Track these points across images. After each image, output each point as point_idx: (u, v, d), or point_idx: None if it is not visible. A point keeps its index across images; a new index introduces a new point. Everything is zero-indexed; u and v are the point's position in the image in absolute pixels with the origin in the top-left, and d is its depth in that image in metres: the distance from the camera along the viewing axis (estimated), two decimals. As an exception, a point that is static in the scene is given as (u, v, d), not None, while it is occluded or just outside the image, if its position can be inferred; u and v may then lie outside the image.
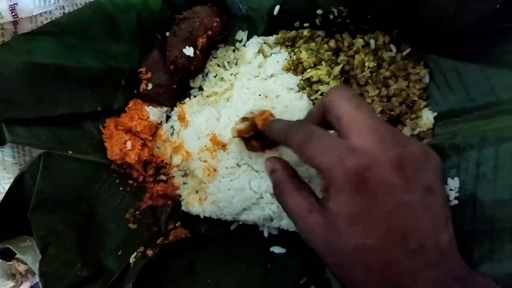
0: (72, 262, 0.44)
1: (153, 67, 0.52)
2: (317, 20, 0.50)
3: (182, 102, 0.55)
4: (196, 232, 0.54)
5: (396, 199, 0.30)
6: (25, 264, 0.45)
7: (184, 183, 0.55)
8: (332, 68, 0.49)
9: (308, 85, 0.49)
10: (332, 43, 0.50)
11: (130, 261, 0.47)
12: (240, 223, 0.53)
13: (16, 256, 0.44)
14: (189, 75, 0.54)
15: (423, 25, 0.46)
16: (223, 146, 0.49)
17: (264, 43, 0.52)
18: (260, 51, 0.52)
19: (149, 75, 0.52)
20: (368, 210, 0.30)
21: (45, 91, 0.47)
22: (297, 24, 0.51)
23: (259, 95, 0.49)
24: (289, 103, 0.48)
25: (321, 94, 0.48)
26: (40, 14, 0.46)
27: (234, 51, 0.54)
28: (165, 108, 0.55)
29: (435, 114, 0.49)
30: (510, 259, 0.40)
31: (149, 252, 0.48)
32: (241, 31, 0.54)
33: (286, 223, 0.49)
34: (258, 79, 0.51)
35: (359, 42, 0.50)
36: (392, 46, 0.50)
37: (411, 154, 0.31)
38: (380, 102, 0.49)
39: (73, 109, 0.49)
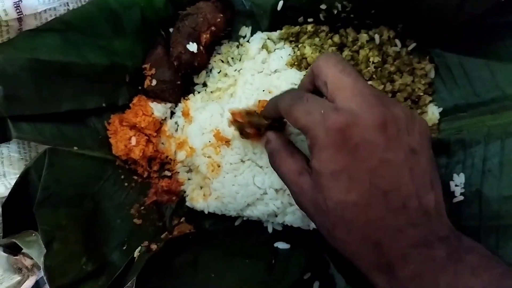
0: (77, 256, 0.45)
1: (157, 63, 0.52)
2: (321, 15, 0.50)
3: (186, 98, 0.55)
4: (200, 227, 0.54)
5: (379, 157, 0.30)
6: (31, 258, 0.45)
7: (189, 179, 0.55)
8: (336, 64, 0.49)
9: (312, 80, 0.49)
10: (336, 38, 0.50)
11: (135, 255, 0.48)
12: (244, 218, 0.53)
13: (23, 250, 0.45)
14: (193, 71, 0.54)
15: (427, 19, 0.45)
16: (227, 142, 0.49)
17: (268, 38, 0.52)
18: (264, 46, 0.52)
19: (153, 71, 0.52)
20: (350, 167, 0.30)
21: (50, 88, 0.47)
22: (301, 19, 0.51)
23: (263, 90, 0.49)
24: (293, 98, 0.48)
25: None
26: (45, 11, 0.46)
27: (237, 46, 0.54)
28: (169, 104, 0.55)
29: (441, 109, 0.49)
30: (516, 255, 0.39)
31: (154, 247, 0.49)
32: (244, 26, 0.54)
33: (290, 218, 0.48)
34: (262, 74, 0.51)
35: (364, 37, 0.49)
36: (397, 41, 0.50)
37: (395, 115, 0.31)
38: (385, 97, 0.48)
39: (77, 106, 0.49)
